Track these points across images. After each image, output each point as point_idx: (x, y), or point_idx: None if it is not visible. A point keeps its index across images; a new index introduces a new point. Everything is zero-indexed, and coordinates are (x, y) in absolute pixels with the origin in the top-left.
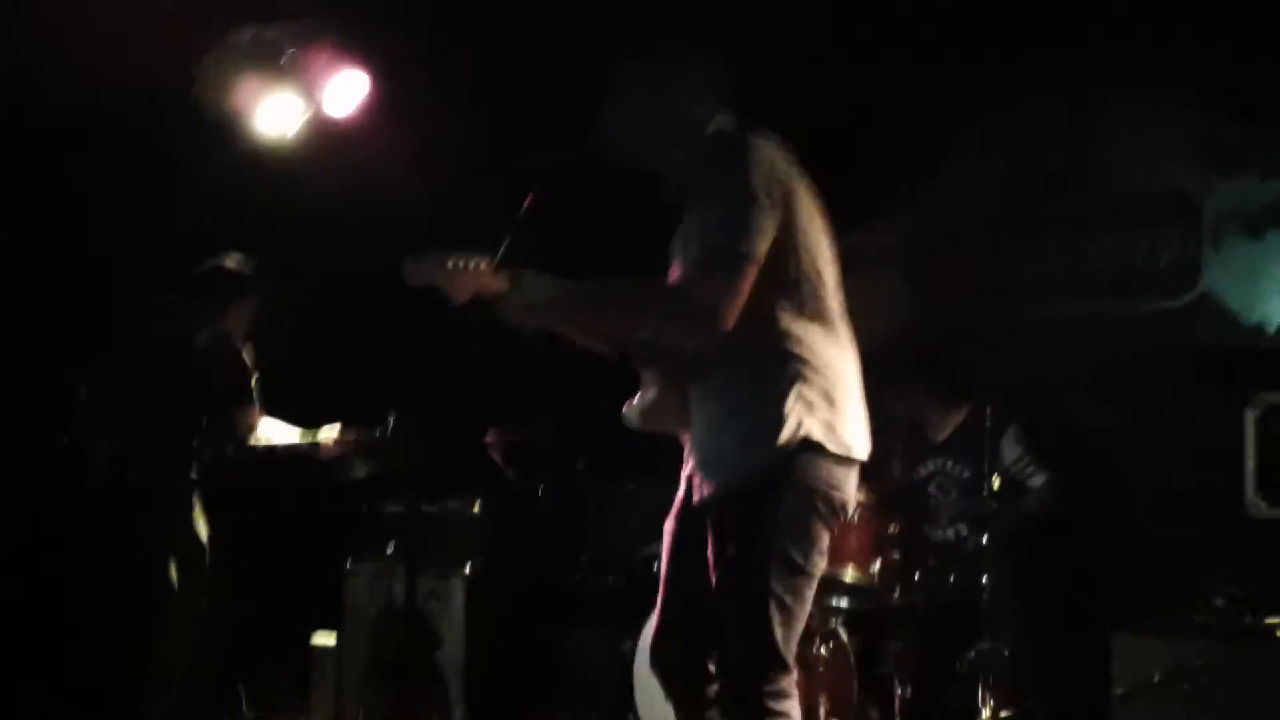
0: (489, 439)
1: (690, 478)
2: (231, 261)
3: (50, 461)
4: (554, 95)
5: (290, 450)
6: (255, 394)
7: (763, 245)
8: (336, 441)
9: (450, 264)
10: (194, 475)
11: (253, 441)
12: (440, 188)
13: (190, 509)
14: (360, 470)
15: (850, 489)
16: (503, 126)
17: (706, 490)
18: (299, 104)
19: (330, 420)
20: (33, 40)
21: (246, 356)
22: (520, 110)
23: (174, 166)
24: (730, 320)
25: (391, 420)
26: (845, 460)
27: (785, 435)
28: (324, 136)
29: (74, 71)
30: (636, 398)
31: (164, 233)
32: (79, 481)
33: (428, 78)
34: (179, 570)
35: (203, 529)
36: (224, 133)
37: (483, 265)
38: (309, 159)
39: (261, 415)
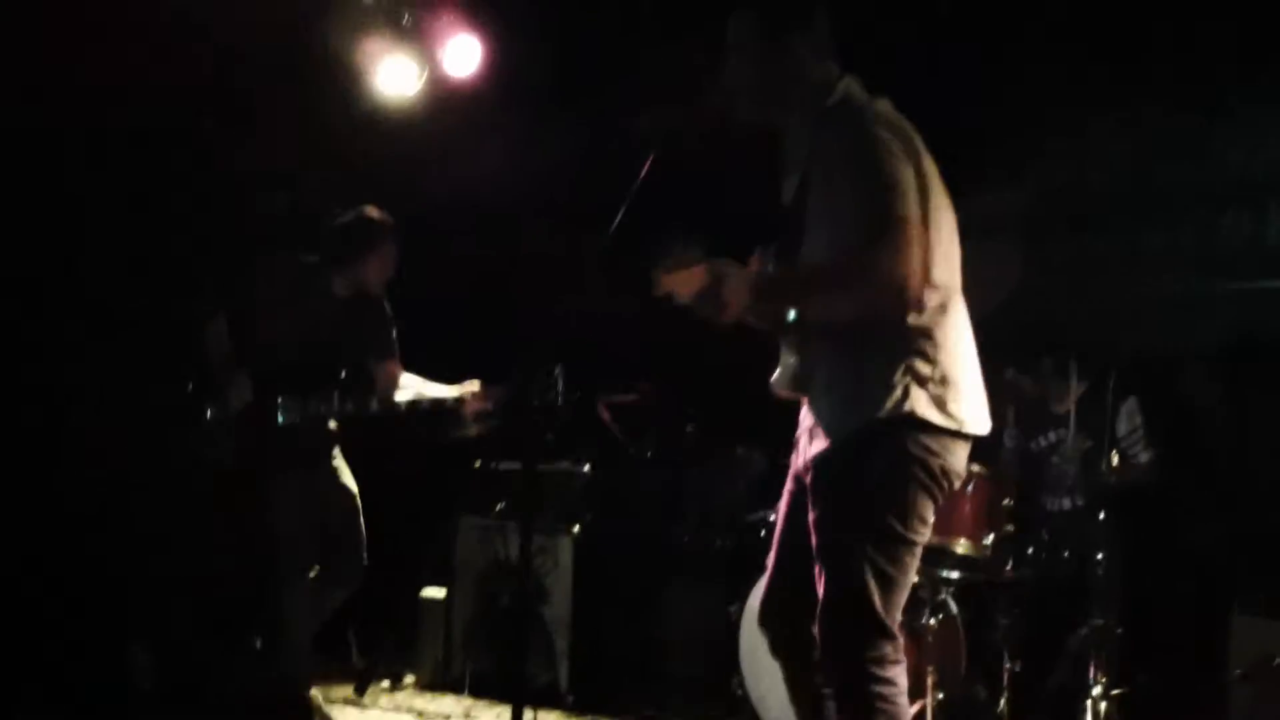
0: (601, 402)
1: (800, 441)
2: (371, 211)
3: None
4: (672, 55)
5: (434, 406)
6: (394, 345)
7: (916, 205)
8: (477, 397)
9: (675, 266)
10: (332, 427)
11: (397, 394)
12: (556, 150)
13: (331, 461)
14: (473, 428)
15: (957, 460)
16: (619, 87)
17: (810, 452)
18: (417, 65)
19: (466, 376)
20: None
21: (387, 307)
22: (639, 70)
23: (309, 119)
24: (917, 285)
25: (555, 376)
26: (954, 433)
27: (889, 406)
28: (443, 99)
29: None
30: (780, 366)
31: (291, 188)
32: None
33: (545, 40)
34: (319, 524)
35: (349, 479)
36: (348, 90)
37: (695, 263)
38: (428, 120)
39: (401, 367)
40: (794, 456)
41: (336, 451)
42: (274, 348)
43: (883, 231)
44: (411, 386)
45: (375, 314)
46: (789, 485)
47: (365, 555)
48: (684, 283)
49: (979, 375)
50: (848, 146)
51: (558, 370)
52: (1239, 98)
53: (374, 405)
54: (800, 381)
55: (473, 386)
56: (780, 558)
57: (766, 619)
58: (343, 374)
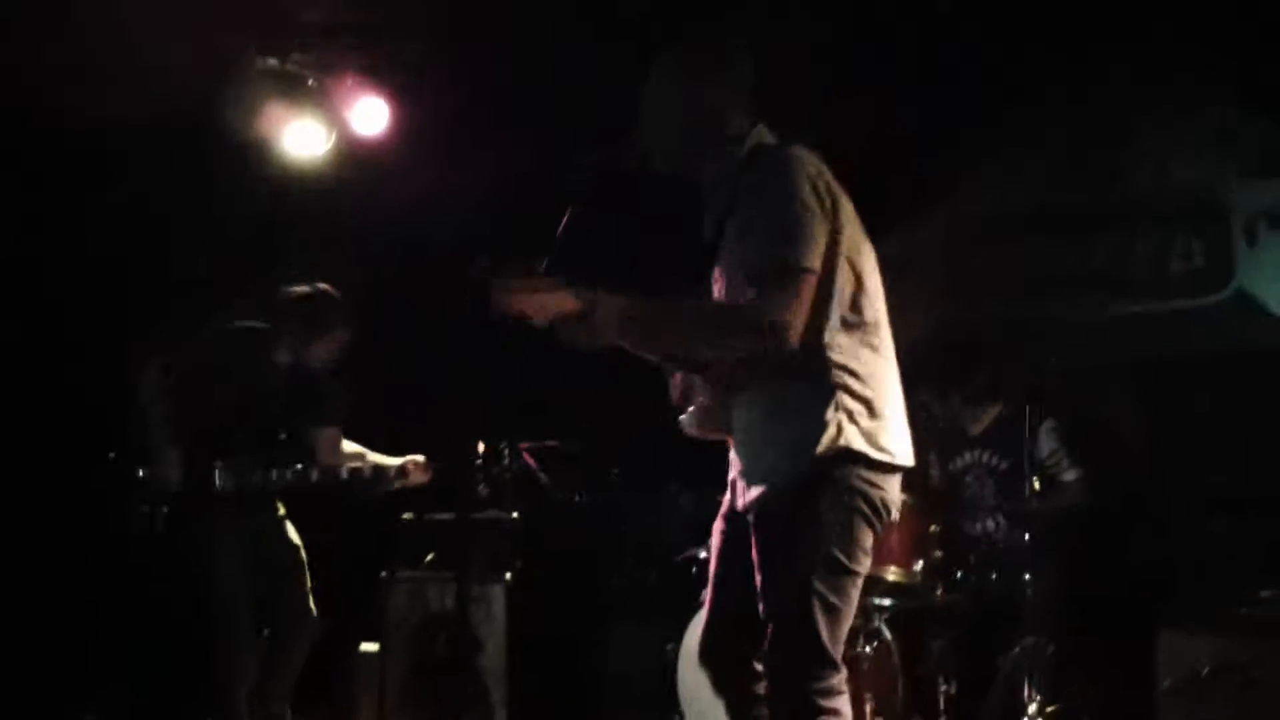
0: (526, 449)
1: (734, 482)
2: (328, 290)
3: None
4: (593, 105)
5: (375, 475)
6: (337, 412)
7: (820, 256)
8: (420, 469)
9: (528, 287)
10: (270, 489)
11: (338, 461)
12: (472, 203)
13: (274, 515)
14: (395, 484)
15: (893, 491)
16: (534, 137)
17: (750, 495)
18: (324, 128)
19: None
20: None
21: (330, 378)
22: (554, 119)
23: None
24: (799, 334)
25: (504, 450)
26: (888, 466)
27: (825, 443)
28: (352, 159)
29: (110, 88)
30: (691, 404)
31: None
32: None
33: (454, 96)
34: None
35: (293, 533)
36: (254, 154)
37: (560, 288)
38: (338, 180)
39: (342, 434)
40: (726, 494)
41: (279, 505)
42: (213, 413)
43: (779, 280)
44: (352, 454)
45: (319, 381)
46: (720, 525)
47: (314, 608)
48: (544, 305)
49: (903, 408)
50: (764, 191)
51: (504, 444)
52: (1146, 123)
53: (314, 475)
54: (713, 420)
55: (417, 459)
56: (717, 596)
57: (707, 657)
58: (282, 438)
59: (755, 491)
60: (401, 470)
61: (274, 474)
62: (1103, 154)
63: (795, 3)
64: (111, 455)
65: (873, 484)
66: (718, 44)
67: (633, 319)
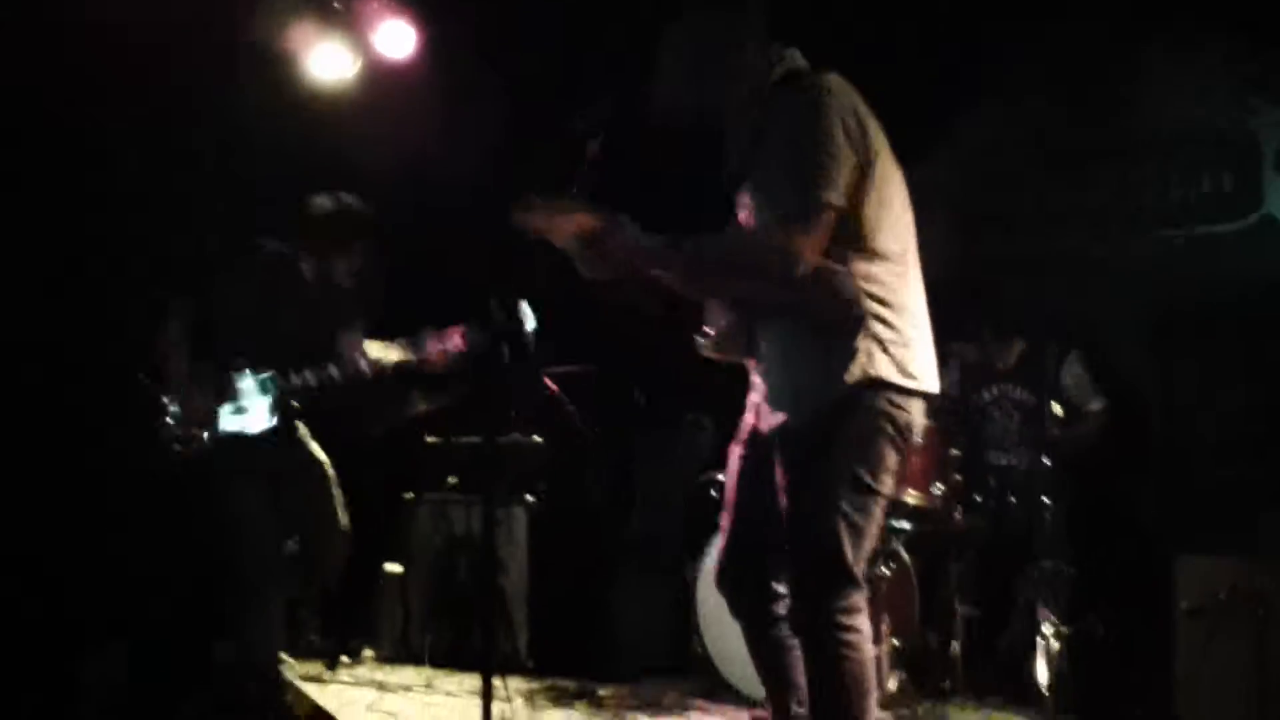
0: (547, 374)
1: (757, 406)
2: (352, 201)
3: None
4: (611, 46)
5: (398, 368)
6: (359, 325)
7: (842, 190)
8: (441, 353)
9: (551, 207)
10: (295, 392)
11: (360, 367)
12: (488, 141)
13: (295, 435)
14: (421, 406)
15: (918, 416)
16: (550, 80)
17: (776, 419)
18: (350, 51)
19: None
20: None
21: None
22: (570, 65)
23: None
24: (809, 265)
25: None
26: (914, 392)
27: (856, 371)
28: (376, 84)
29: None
30: (709, 328)
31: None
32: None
33: (478, 27)
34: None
35: (317, 450)
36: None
37: (582, 208)
38: (362, 107)
39: (363, 344)
40: (746, 418)
41: (300, 425)
42: (238, 339)
43: (797, 213)
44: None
45: (341, 291)
46: (740, 449)
47: (345, 519)
48: (565, 225)
49: (930, 335)
50: (794, 120)
51: (523, 305)
52: (1147, 58)
53: (337, 374)
54: (731, 344)
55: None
56: (735, 520)
57: (725, 580)
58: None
59: (783, 414)
60: (422, 359)
61: (294, 377)
62: (1116, 86)
63: None
64: (142, 377)
65: (898, 406)
66: None
67: (647, 247)
